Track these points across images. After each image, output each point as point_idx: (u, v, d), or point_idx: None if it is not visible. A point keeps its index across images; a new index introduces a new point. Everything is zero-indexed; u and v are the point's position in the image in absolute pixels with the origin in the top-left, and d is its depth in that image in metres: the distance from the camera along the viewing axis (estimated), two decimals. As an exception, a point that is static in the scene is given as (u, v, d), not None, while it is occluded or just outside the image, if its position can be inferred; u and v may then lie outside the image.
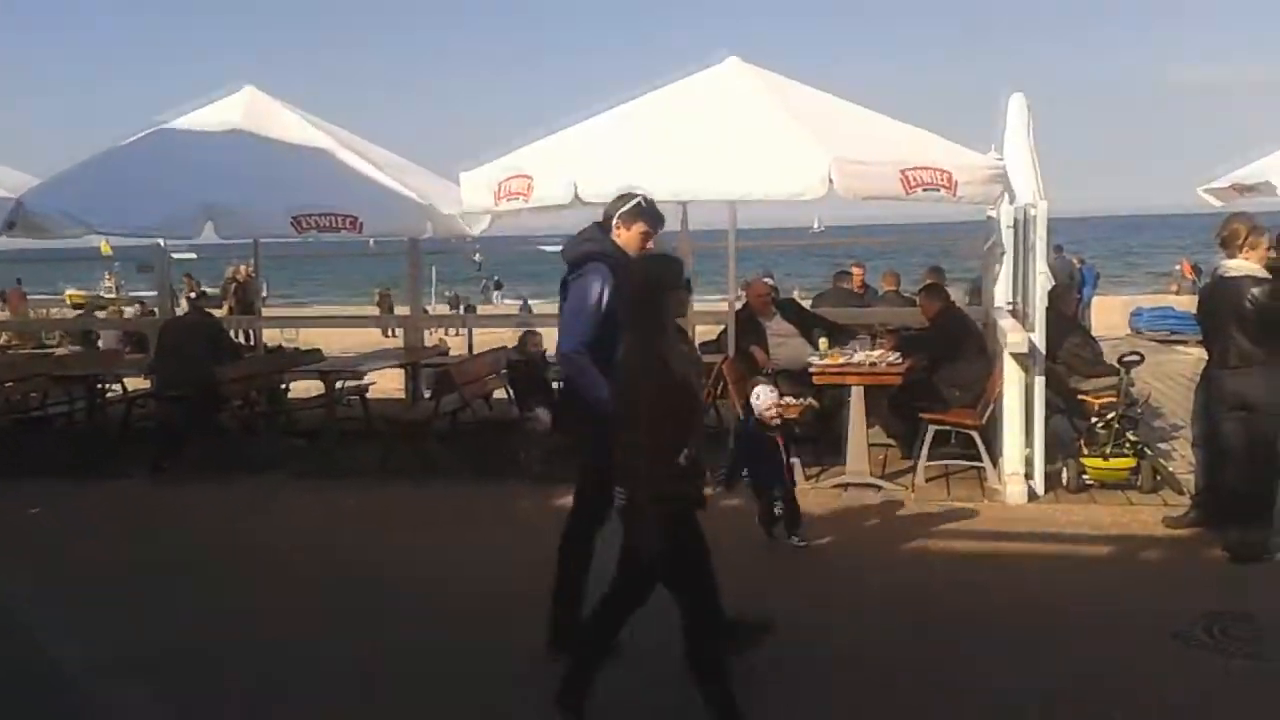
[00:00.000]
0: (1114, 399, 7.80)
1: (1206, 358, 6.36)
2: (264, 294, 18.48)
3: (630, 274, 4.27)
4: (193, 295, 20.96)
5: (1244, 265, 6.03)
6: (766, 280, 11.74)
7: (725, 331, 9.35)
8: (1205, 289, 6.53)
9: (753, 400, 6.57)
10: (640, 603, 4.11)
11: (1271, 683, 4.57)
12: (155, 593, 5.99)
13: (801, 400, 8.51)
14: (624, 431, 3.93)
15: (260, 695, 4.67)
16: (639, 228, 4.77)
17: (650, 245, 4.81)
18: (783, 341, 9.14)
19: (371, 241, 11.58)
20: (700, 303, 11.42)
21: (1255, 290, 5.91)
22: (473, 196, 8.28)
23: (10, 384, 10.28)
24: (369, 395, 10.28)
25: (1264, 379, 5.95)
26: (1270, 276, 6.00)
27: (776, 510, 6.49)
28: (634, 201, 4.81)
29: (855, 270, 12.80)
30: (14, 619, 5.49)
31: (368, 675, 4.82)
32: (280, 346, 11.95)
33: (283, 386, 10.64)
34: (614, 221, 4.79)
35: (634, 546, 3.96)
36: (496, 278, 38.56)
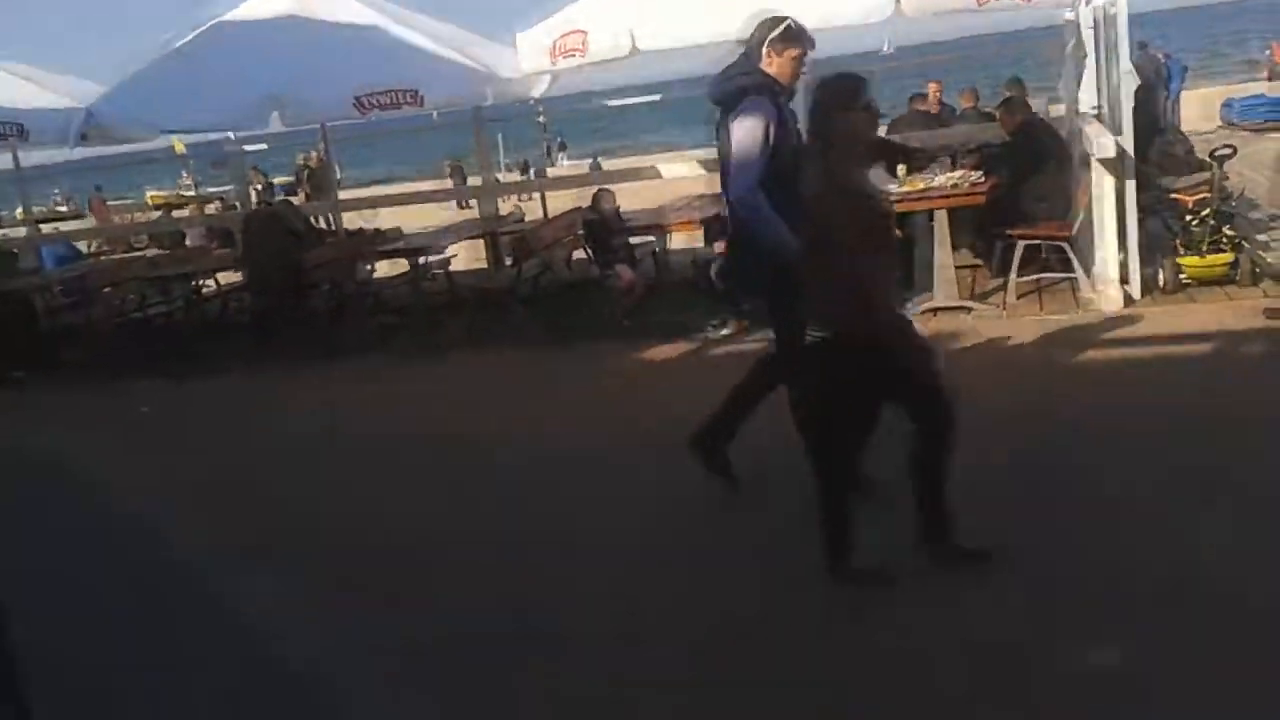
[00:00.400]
0: (1208, 195, 7.53)
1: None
2: (338, 176, 18.59)
3: (813, 98, 4.02)
4: (259, 188, 21.28)
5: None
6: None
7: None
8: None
9: None
10: (870, 431, 4.05)
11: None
12: (270, 481, 6.16)
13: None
14: (821, 262, 3.81)
15: (405, 558, 4.84)
16: (791, 52, 4.45)
17: (804, 69, 4.54)
18: (860, 172, 8.93)
19: (435, 114, 11.52)
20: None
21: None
22: (530, 58, 8.17)
23: (108, 289, 10.63)
24: (452, 268, 10.41)
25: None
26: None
27: None
28: (783, 24, 4.45)
29: (932, 87, 12.34)
30: (137, 514, 5.77)
31: (514, 535, 4.96)
32: (361, 229, 12.08)
33: (368, 267, 10.81)
34: (763, 50, 4.46)
35: (832, 380, 3.89)
36: (560, 138, 37.99)
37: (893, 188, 8.14)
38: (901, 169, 8.43)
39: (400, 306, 10.02)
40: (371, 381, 8.20)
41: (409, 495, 5.68)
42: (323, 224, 13.17)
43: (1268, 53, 33.83)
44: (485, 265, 11.34)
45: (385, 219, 13.00)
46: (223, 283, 11.37)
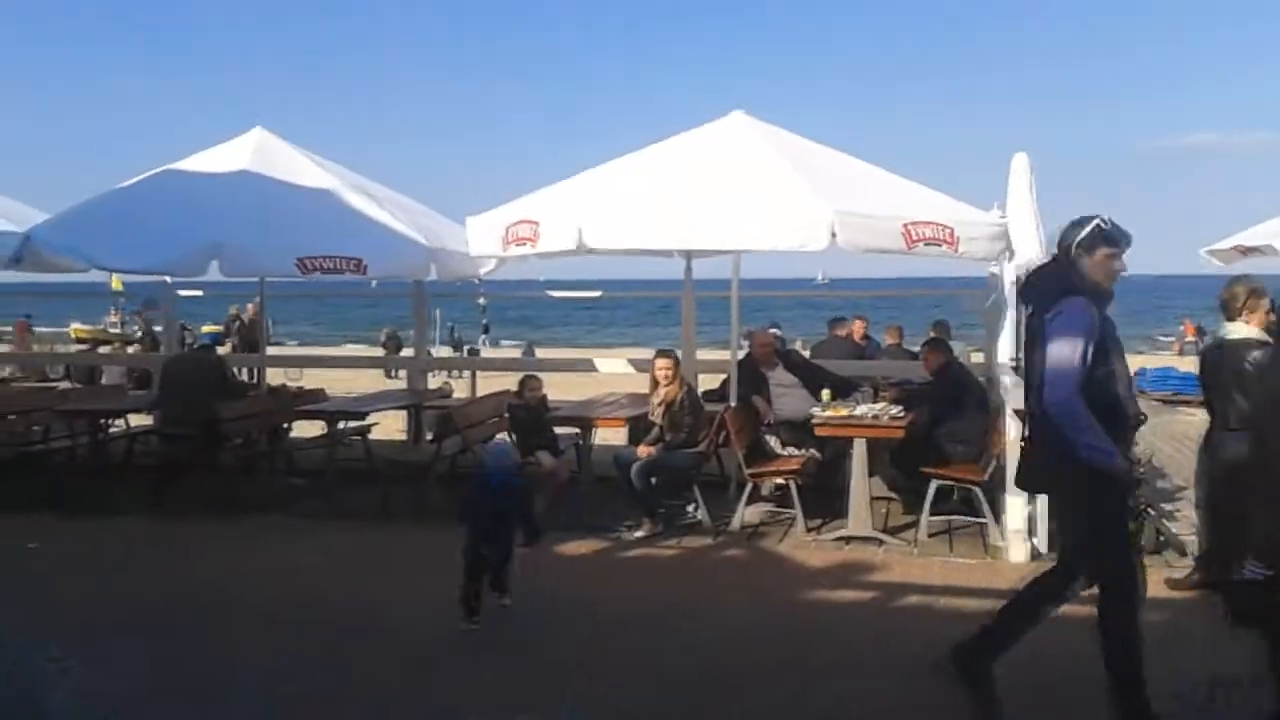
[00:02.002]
0: (1116, 458, 7.76)
1: (1209, 420, 6.35)
2: (270, 333, 18.51)
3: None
4: (141, 332, 21.15)
5: (1244, 329, 6.04)
6: (773, 330, 11.79)
7: (727, 380, 9.38)
8: (1206, 352, 6.53)
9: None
10: None
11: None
12: (147, 632, 5.96)
13: (804, 452, 8.52)
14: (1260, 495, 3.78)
15: None
16: (1103, 251, 4.37)
17: (1119, 267, 4.44)
18: (785, 392, 9.14)
19: (374, 283, 11.61)
20: (703, 352, 11.49)
21: (1255, 354, 5.92)
22: (479, 242, 8.32)
23: (13, 416, 10.28)
24: (371, 436, 10.29)
25: (1265, 442, 5.93)
26: (1270, 340, 6.00)
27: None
28: (1091, 225, 4.37)
29: (857, 322, 12.86)
30: (5, 654, 5.44)
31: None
32: (284, 386, 11.93)
33: (285, 426, 10.64)
34: (1073, 250, 4.39)
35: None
36: (485, 321, 38.51)
37: (816, 411, 8.33)
38: (825, 393, 8.65)
39: (312, 469, 9.83)
40: (266, 542, 8.01)
41: (258, 665, 5.44)
42: (245, 376, 13.00)
43: (1180, 328, 35.94)
44: (405, 437, 11.23)
45: (310, 379, 12.89)
46: (132, 424, 11.09)
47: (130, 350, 22.12)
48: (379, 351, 24.25)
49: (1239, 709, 4.82)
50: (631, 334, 47.00)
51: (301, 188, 9.70)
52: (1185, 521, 7.78)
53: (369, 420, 10.21)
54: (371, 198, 9.81)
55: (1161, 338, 37.66)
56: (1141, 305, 78.60)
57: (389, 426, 11.50)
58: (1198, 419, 6.49)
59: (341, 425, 9.80)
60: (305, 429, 10.78)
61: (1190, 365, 14.61)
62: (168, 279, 11.18)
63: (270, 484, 9.46)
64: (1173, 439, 11.93)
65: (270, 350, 14.04)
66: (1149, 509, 7.61)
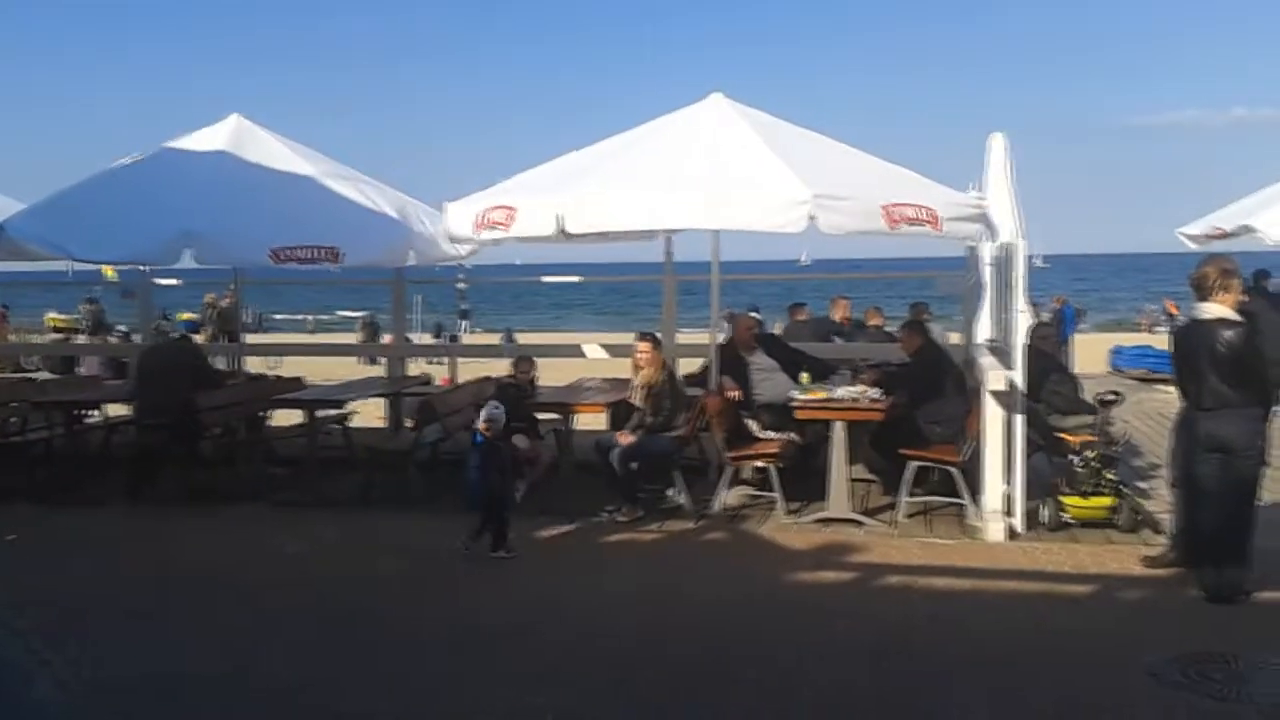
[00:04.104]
0: (1093, 437, 7.83)
1: (1182, 399, 6.40)
2: (247, 320, 18.42)
3: None
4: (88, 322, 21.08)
5: (1216, 309, 6.07)
6: (753, 314, 11.80)
7: (708, 364, 9.38)
8: (1179, 331, 6.55)
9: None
10: None
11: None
12: (131, 622, 5.94)
13: (784, 435, 8.54)
14: None
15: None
16: None
17: None
18: (766, 376, 9.15)
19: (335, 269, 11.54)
20: (684, 335, 11.49)
21: (1227, 334, 5.96)
22: (455, 226, 8.29)
23: (-11, 408, 10.20)
24: (351, 424, 10.26)
25: (1238, 421, 5.99)
26: (1242, 320, 6.04)
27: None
28: None
29: (841, 303, 12.87)
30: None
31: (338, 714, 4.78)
32: (262, 375, 11.88)
33: (263, 415, 10.59)
34: None
35: None
36: (464, 306, 38.32)
37: (795, 394, 8.35)
38: (805, 376, 8.67)
39: (292, 458, 9.80)
40: (249, 531, 8.00)
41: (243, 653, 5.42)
42: (223, 365, 12.92)
43: (1153, 308, 36.18)
44: (385, 425, 11.21)
45: (289, 367, 12.83)
46: (110, 415, 11.02)
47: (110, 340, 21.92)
48: (357, 338, 24.13)
49: (1213, 686, 4.88)
50: (612, 319, 46.96)
51: (278, 175, 9.61)
52: (1161, 500, 7.85)
53: (348, 408, 10.17)
54: (349, 184, 9.73)
55: (1137, 316, 37.98)
56: (1126, 283, 79.29)
57: (369, 414, 11.46)
58: (1174, 397, 6.53)
59: (320, 414, 9.76)
60: (284, 417, 10.75)
61: (1166, 344, 14.71)
62: (144, 268, 11.07)
63: (250, 473, 9.42)
64: (1148, 417, 12.04)
65: (248, 339, 13.98)
66: (1124, 486, 7.70)
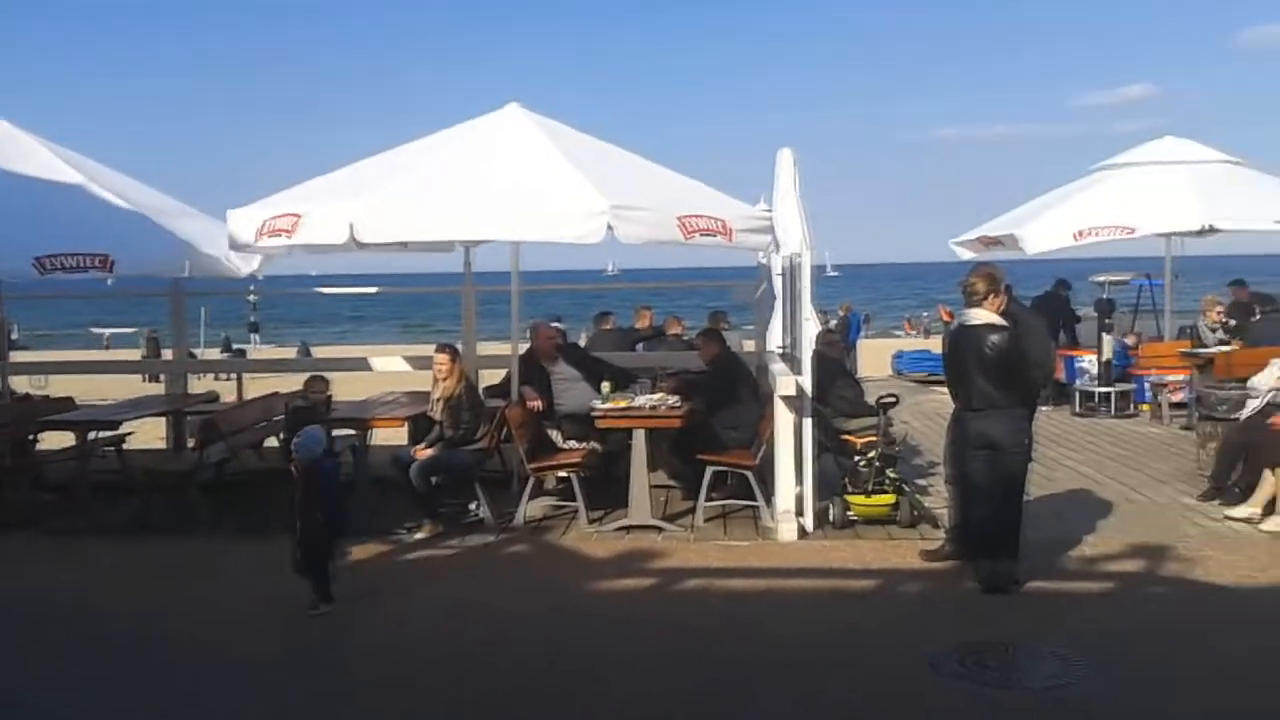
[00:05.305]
0: (875, 438, 8.20)
1: (954, 400, 6.78)
2: (14, 336, 17.10)
3: None
4: None
5: (983, 314, 6.47)
6: (555, 324, 11.82)
7: (509, 375, 9.33)
8: (949, 336, 6.94)
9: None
10: None
11: (1017, 709, 4.87)
12: None
13: (586, 445, 8.57)
14: None
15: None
16: None
17: None
18: (568, 386, 9.17)
19: (109, 281, 10.88)
20: (485, 346, 11.39)
21: (994, 338, 6.36)
22: (238, 233, 7.94)
23: None
24: (128, 446, 9.64)
25: (1005, 420, 6.40)
26: (1007, 324, 6.46)
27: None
28: None
29: (645, 312, 13.17)
30: None
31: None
32: (28, 395, 11.04)
33: (31, 438, 9.85)
34: None
35: None
36: (253, 319, 36.86)
37: (597, 404, 8.41)
38: (606, 386, 8.74)
39: (62, 483, 9.15)
40: (20, 562, 7.52)
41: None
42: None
43: (926, 314, 38.57)
44: (166, 445, 10.62)
45: (59, 387, 11.99)
46: None
47: None
48: (137, 354, 22.79)
49: (990, 674, 5.17)
50: (415, 331, 46.16)
51: (39, 180, 8.95)
52: (938, 496, 8.30)
53: (124, 429, 9.56)
54: (119, 193, 9.17)
55: (906, 321, 40.31)
56: (902, 290, 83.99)
57: (148, 434, 10.82)
58: (949, 398, 6.91)
59: (92, 435, 9.14)
60: (55, 440, 10.02)
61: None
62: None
63: (16, 501, 8.73)
64: (926, 417, 12.72)
65: (15, 356, 12.97)
66: (904, 484, 8.11)
